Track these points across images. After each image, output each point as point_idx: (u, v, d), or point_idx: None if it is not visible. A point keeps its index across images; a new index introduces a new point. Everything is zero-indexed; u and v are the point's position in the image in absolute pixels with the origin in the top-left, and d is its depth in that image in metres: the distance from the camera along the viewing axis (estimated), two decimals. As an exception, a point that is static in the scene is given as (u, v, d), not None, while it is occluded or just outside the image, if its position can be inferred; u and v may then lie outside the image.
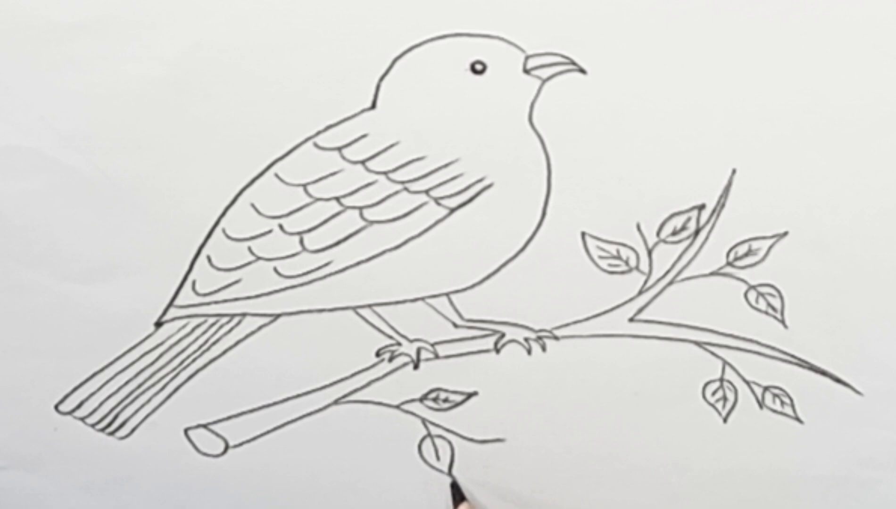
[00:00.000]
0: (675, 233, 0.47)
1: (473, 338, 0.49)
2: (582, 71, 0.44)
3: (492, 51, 0.44)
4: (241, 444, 0.52)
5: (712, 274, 0.47)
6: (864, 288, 0.47)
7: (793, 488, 0.50)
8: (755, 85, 0.44)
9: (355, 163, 0.46)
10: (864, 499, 0.50)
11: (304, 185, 0.47)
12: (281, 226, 0.47)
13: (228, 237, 0.48)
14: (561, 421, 0.50)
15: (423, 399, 0.51)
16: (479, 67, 0.45)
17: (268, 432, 0.51)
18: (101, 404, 0.51)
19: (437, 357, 0.50)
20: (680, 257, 0.47)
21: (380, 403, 0.51)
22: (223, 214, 0.47)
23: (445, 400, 0.51)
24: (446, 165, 0.46)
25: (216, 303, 0.49)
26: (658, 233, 0.47)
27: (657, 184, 0.46)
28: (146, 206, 0.47)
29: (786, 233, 0.46)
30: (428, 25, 0.44)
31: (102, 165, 0.46)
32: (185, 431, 0.51)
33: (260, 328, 0.49)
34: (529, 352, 0.49)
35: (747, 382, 0.49)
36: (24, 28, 0.44)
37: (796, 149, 0.45)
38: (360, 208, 0.47)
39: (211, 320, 0.49)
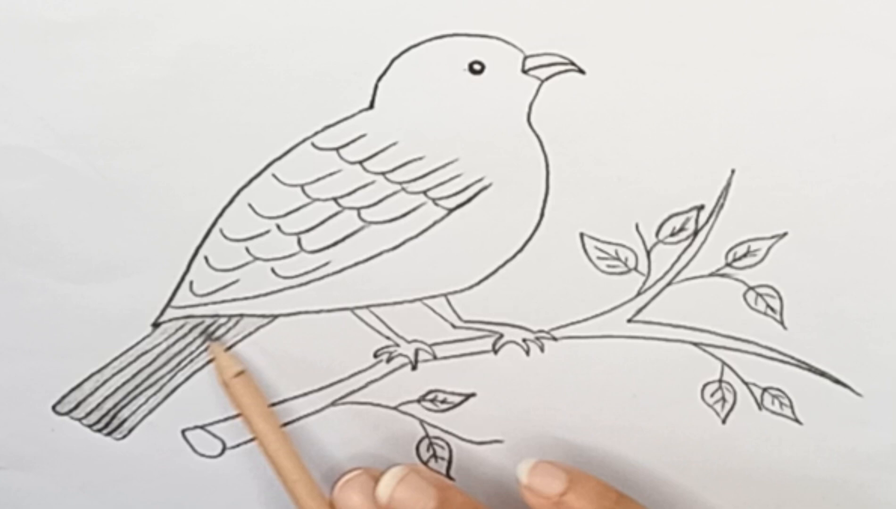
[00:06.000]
0: (673, 233, 0.47)
1: (471, 339, 0.49)
2: (581, 71, 0.44)
3: (490, 51, 0.44)
4: (238, 445, 0.52)
5: (711, 275, 0.47)
6: (864, 288, 0.46)
7: (792, 489, 0.50)
8: (755, 85, 0.44)
9: (353, 163, 0.46)
10: (864, 500, 0.50)
11: (302, 186, 0.46)
12: (279, 227, 0.47)
13: (226, 237, 0.47)
14: (559, 422, 0.50)
15: (421, 400, 0.50)
16: (477, 67, 0.44)
17: (265, 433, 0.51)
18: (98, 405, 0.51)
19: (435, 358, 0.50)
20: (679, 258, 0.47)
21: (378, 405, 0.51)
22: (221, 214, 0.47)
23: (443, 402, 0.50)
24: (444, 166, 0.46)
25: (214, 303, 0.49)
26: (657, 234, 0.47)
27: (656, 185, 0.46)
28: (144, 207, 0.47)
29: (785, 234, 0.46)
30: (426, 25, 0.44)
31: (101, 165, 0.46)
32: (183, 432, 0.51)
33: (257, 329, 0.49)
34: (528, 352, 0.49)
35: (746, 383, 0.49)
36: (24, 28, 0.44)
37: (796, 149, 0.45)
38: (358, 208, 0.47)
39: (208, 321, 0.49)
